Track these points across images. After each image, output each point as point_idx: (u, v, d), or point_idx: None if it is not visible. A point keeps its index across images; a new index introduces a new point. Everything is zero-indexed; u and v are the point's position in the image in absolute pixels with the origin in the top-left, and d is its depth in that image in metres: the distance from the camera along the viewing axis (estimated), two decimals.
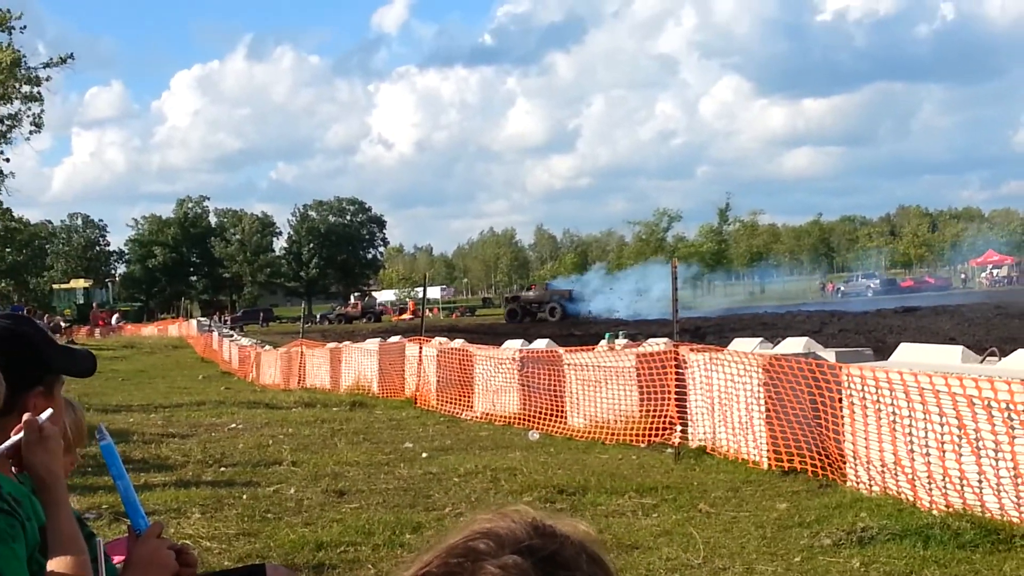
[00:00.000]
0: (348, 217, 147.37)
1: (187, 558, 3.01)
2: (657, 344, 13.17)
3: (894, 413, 8.06)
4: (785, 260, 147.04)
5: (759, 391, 9.96)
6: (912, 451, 7.88)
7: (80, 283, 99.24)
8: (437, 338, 19.29)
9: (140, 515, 3.05)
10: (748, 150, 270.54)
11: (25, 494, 2.78)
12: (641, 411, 12.06)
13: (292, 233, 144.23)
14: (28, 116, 71.29)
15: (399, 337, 21.64)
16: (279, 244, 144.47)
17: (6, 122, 70.22)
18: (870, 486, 8.31)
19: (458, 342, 18.52)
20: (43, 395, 2.84)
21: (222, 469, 10.56)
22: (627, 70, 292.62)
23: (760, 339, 12.11)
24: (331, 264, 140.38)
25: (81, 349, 3.11)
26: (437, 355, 17.33)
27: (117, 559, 3.08)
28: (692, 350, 11.62)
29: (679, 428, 11.09)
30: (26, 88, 71.20)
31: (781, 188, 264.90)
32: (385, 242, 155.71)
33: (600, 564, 1.26)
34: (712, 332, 37.80)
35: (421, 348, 17.93)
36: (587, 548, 1.26)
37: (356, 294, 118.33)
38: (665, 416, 11.50)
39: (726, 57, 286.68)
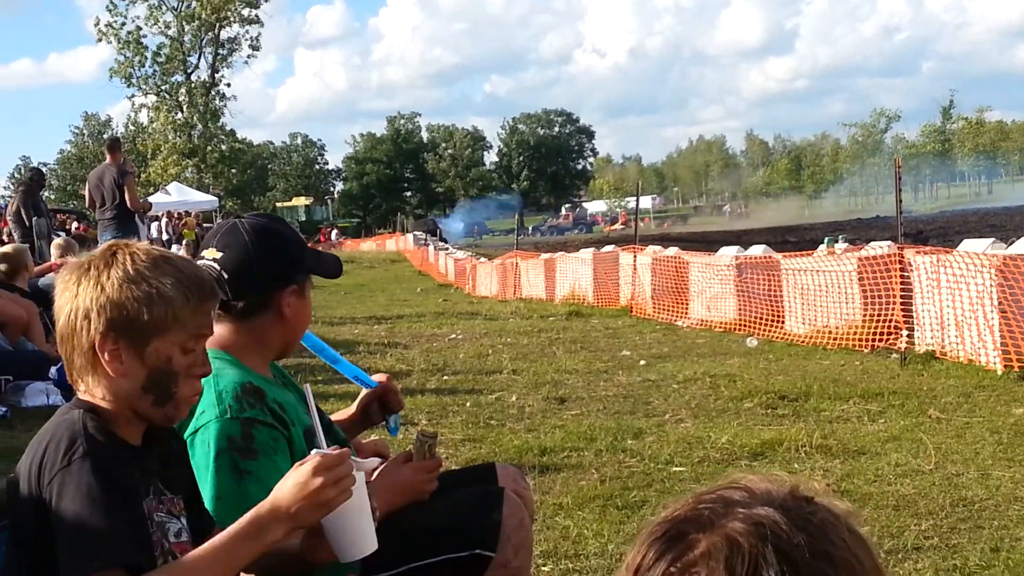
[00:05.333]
0: (556, 129, 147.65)
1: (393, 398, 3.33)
2: (880, 247, 12.78)
3: None
4: (1015, 159, 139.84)
5: (992, 293, 9.54)
6: None
7: (301, 201, 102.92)
8: (651, 247, 19.20)
9: (362, 375, 3.37)
10: (979, 43, 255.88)
11: (290, 402, 2.86)
12: (864, 316, 11.74)
13: (502, 146, 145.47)
14: (246, 39, 74.26)
15: (612, 247, 21.63)
16: (490, 158, 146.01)
17: (227, 45, 73.39)
18: None
19: (672, 250, 18.39)
20: (296, 294, 2.91)
21: (445, 377, 10.81)
22: None
23: (992, 239, 11.60)
24: (541, 176, 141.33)
25: (327, 252, 3.18)
26: (652, 263, 17.25)
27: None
28: (918, 252, 11.21)
29: (905, 333, 10.76)
30: (245, 11, 73.83)
31: (1015, 82, 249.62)
32: (594, 152, 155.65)
33: (860, 540, 1.22)
34: (935, 235, 36.49)
35: (635, 257, 17.87)
36: (847, 522, 1.22)
37: (567, 205, 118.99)
38: (889, 321, 11.16)
39: None
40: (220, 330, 2.84)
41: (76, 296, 2.20)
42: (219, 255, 2.80)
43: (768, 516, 1.17)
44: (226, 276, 2.78)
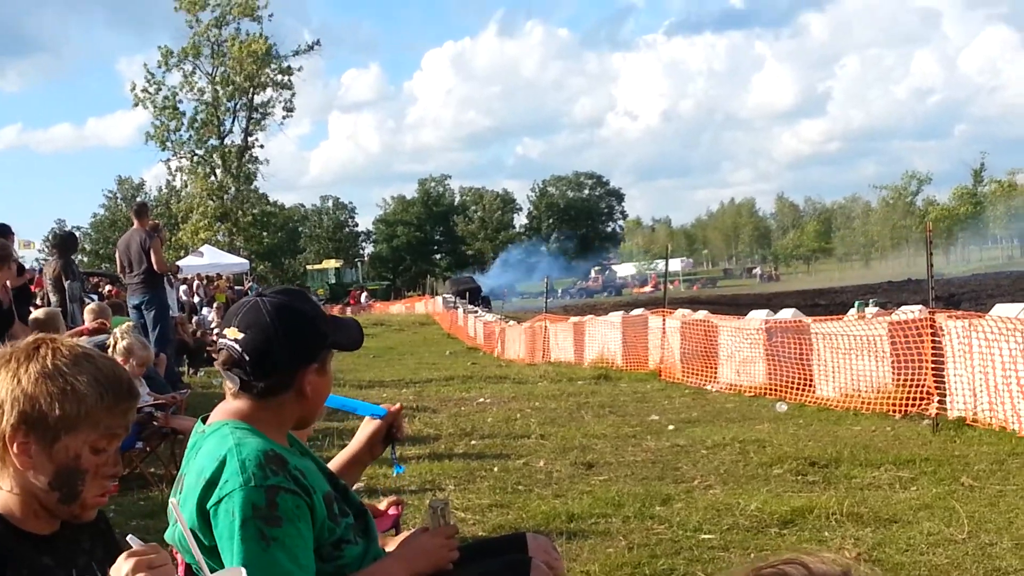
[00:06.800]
0: (586, 191, 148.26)
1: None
2: (911, 312, 12.72)
3: None
4: None
5: None
6: None
7: (331, 263, 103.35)
8: (680, 310, 19.17)
9: (377, 408, 3.47)
10: (1013, 106, 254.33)
11: (310, 469, 2.87)
12: (894, 381, 11.66)
13: (532, 209, 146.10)
14: (280, 102, 75.04)
15: (641, 310, 21.60)
16: (519, 220, 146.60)
17: (259, 110, 74.18)
18: None
19: (701, 313, 18.35)
20: (318, 371, 2.91)
21: (473, 442, 10.78)
22: (885, 26, 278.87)
23: None
24: (570, 239, 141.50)
25: (347, 318, 3.18)
26: (681, 327, 17.21)
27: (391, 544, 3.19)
28: (949, 317, 11.14)
29: (936, 399, 10.67)
30: (278, 76, 74.62)
31: None
32: (624, 215, 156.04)
33: None
34: (968, 298, 36.25)
35: (664, 320, 17.84)
36: None
37: (596, 268, 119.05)
38: (921, 386, 11.08)
39: (993, 7, 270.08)
40: (240, 405, 2.86)
41: None
42: (240, 336, 2.80)
43: None
44: (248, 358, 2.79)
